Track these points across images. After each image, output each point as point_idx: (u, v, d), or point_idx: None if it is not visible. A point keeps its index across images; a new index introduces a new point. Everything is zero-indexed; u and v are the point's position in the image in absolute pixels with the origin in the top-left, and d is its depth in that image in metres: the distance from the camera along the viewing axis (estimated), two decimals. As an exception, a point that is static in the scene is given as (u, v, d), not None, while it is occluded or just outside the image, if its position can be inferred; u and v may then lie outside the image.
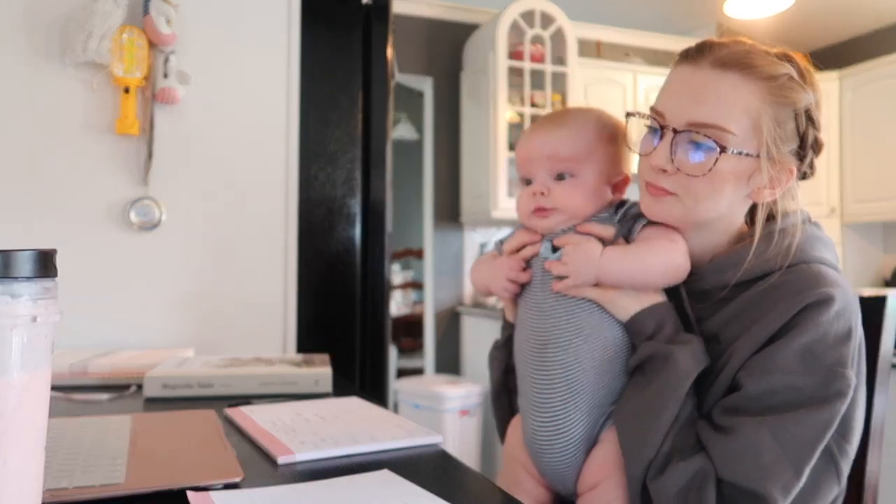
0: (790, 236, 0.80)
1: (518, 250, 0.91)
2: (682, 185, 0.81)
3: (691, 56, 0.82)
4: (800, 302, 0.75)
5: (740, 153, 0.78)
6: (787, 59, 0.81)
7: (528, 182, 0.90)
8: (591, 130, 0.89)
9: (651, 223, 0.85)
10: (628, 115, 0.88)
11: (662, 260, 0.83)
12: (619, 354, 0.85)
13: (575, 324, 0.85)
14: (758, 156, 0.79)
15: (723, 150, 0.78)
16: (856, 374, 0.75)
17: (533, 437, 0.89)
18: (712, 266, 0.84)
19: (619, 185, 0.91)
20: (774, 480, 0.71)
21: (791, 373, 0.73)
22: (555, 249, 0.87)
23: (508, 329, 0.98)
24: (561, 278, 0.85)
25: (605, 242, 0.85)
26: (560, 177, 0.88)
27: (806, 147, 0.82)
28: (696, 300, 0.85)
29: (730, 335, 0.80)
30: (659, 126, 0.82)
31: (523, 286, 0.91)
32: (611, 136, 0.90)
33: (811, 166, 0.84)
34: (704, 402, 0.80)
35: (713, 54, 0.80)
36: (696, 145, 0.79)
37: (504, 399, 1.02)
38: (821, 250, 0.82)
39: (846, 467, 0.79)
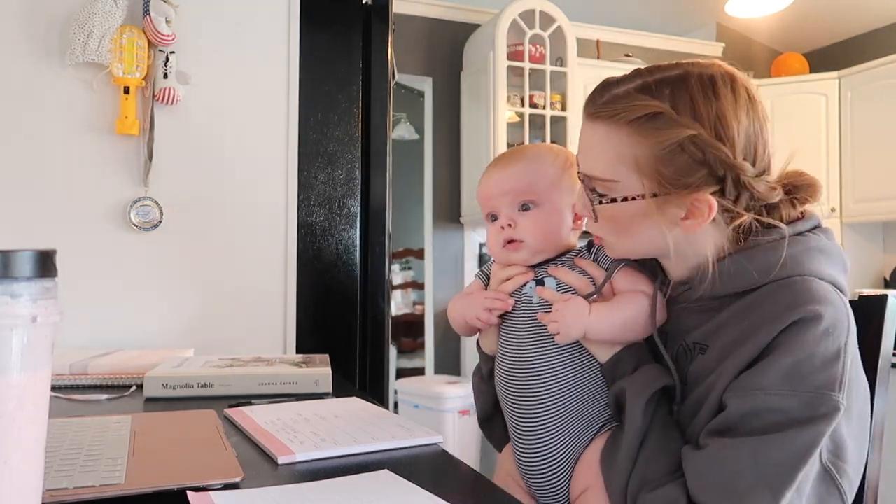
0: (781, 247, 0.76)
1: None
2: (601, 230, 0.83)
3: (586, 103, 0.82)
4: (786, 319, 0.72)
5: (615, 199, 0.78)
6: (682, 80, 0.76)
7: (494, 218, 0.91)
8: (546, 161, 0.91)
9: (622, 268, 0.86)
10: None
11: (644, 313, 0.83)
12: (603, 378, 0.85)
13: (559, 353, 0.85)
14: (649, 195, 0.76)
15: (598, 200, 0.79)
16: (845, 395, 0.72)
17: (521, 464, 0.88)
18: (702, 278, 0.80)
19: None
20: None
21: (774, 394, 0.71)
22: (539, 283, 0.89)
23: (489, 362, 0.97)
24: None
25: (594, 282, 0.86)
26: (524, 207, 0.89)
27: (716, 171, 0.75)
28: (689, 309, 0.83)
29: (718, 347, 0.78)
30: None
31: (503, 319, 0.91)
32: (566, 162, 0.91)
33: (738, 184, 0.75)
34: (695, 425, 0.78)
35: (593, 104, 0.80)
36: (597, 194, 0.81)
37: (496, 423, 1.00)
38: (819, 262, 0.78)
39: (849, 487, 0.78)
